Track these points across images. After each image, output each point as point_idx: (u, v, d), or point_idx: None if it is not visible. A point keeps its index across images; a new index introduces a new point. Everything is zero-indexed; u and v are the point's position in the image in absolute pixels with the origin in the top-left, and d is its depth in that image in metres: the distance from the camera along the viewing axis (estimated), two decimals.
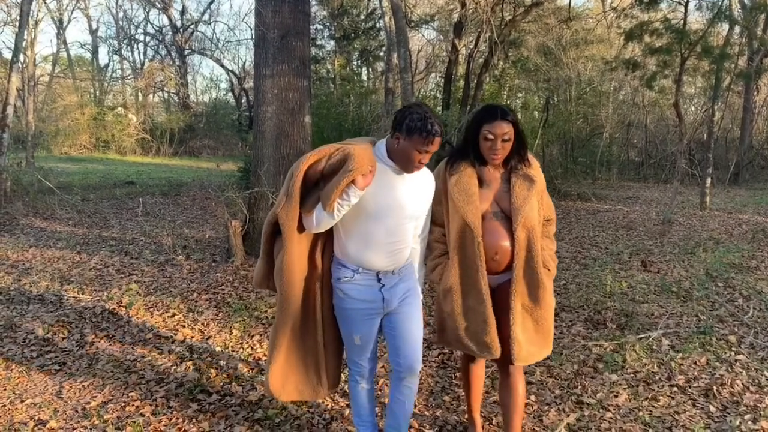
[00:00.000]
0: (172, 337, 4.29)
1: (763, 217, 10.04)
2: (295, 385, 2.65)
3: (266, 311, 4.76)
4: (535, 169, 2.60)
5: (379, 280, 2.52)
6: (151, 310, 4.80)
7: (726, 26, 10.57)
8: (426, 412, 3.33)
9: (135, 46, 31.09)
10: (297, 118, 5.94)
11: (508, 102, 14.83)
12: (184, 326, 4.48)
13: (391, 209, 2.41)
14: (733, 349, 4.17)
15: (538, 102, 16.95)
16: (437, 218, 2.68)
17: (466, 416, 3.12)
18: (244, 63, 30.23)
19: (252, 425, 3.14)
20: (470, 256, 2.50)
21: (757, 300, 5.27)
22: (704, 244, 7.68)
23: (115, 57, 32.01)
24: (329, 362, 2.70)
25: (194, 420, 3.19)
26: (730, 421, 3.24)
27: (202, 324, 4.52)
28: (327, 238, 2.60)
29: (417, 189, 2.49)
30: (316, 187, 2.43)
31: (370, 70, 22.53)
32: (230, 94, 30.14)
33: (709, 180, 11.00)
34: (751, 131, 17.41)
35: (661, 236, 8.32)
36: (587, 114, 16.95)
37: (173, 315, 4.69)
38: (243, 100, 28.69)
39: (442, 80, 14.08)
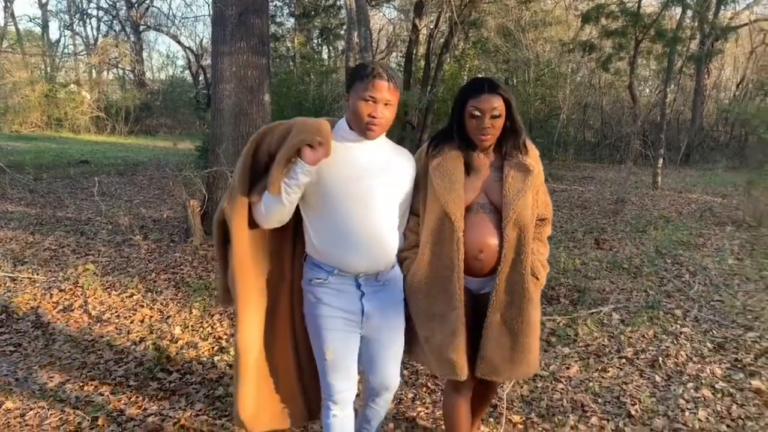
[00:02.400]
0: (131, 317, 4.27)
1: (711, 196, 10.40)
2: (271, 413, 2.27)
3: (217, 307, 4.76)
4: (533, 158, 2.21)
5: (358, 286, 2.13)
6: (108, 290, 4.76)
7: (679, 10, 10.82)
8: None
9: (87, 21, 30.10)
10: (256, 96, 5.90)
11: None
12: (142, 306, 4.46)
13: (360, 193, 2.05)
14: (678, 322, 4.36)
15: None
16: (413, 206, 2.28)
17: None
18: (202, 40, 29.67)
19: (212, 402, 3.17)
20: (446, 253, 2.12)
21: (703, 275, 5.50)
22: (655, 222, 7.94)
23: (67, 32, 31.04)
24: (309, 385, 2.34)
25: (154, 398, 3.20)
26: (674, 389, 3.41)
27: (161, 304, 4.51)
28: (296, 236, 2.24)
29: (390, 169, 2.14)
30: (267, 173, 2.08)
31: (331, 48, 22.35)
32: (187, 71, 29.55)
33: (661, 161, 11.32)
34: (702, 113, 17.92)
35: (614, 215, 8.56)
36: (545, 95, 17.20)
37: (132, 295, 4.65)
38: (200, 78, 28.14)
39: (403, 60, 14.08)
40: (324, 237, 2.09)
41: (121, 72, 29.42)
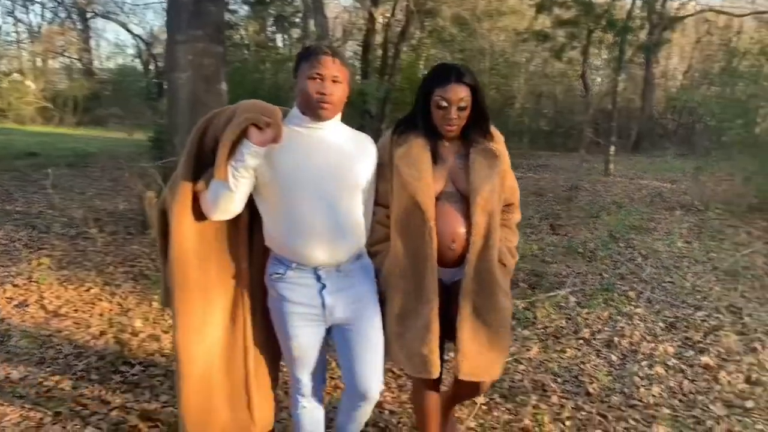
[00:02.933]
0: (89, 310, 4.19)
1: (660, 182, 10.74)
2: (221, 428, 2.12)
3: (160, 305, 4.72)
4: (499, 143, 2.17)
5: (318, 278, 2.04)
6: (65, 284, 4.65)
7: (629, 0, 11.10)
8: None
9: (31, 7, 29.01)
10: (212, 85, 5.82)
11: (425, 73, 15.02)
12: (101, 300, 4.38)
13: (317, 181, 1.96)
14: (632, 303, 4.52)
15: None
16: (381, 197, 2.18)
17: None
18: (152, 28, 28.98)
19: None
20: (419, 245, 2.06)
21: (654, 258, 5.70)
22: (608, 208, 8.17)
23: (9, 19, 29.87)
24: (263, 393, 2.23)
25: (117, 391, 3.16)
26: (629, 368, 3.54)
27: (121, 297, 4.43)
28: (254, 230, 2.12)
29: (349, 155, 2.03)
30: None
31: (286, 36, 22.08)
32: (138, 60, 28.80)
33: (612, 148, 11.62)
34: (651, 102, 18.43)
35: (569, 201, 8.76)
36: (500, 85, 17.42)
37: (89, 289, 4.56)
38: (151, 67, 27.49)
39: (361, 49, 14.05)
40: (280, 229, 2.00)
41: (68, 61, 28.53)
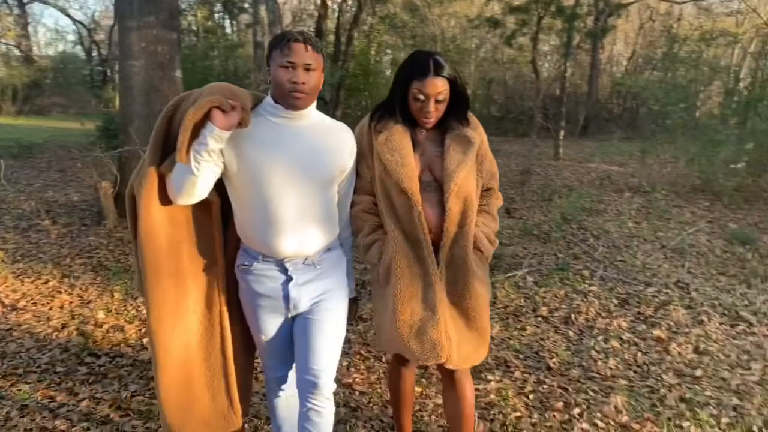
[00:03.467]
0: (48, 303, 4.11)
1: (608, 165, 11.07)
2: (201, 416, 2.08)
3: (134, 289, 4.67)
4: (474, 129, 2.15)
5: (285, 271, 2.00)
6: (21, 277, 4.55)
7: None
8: None
9: None
10: (167, 72, 5.73)
11: (377, 60, 15.02)
12: (60, 292, 4.30)
13: (285, 171, 1.90)
14: (586, 282, 4.70)
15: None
16: (365, 185, 2.15)
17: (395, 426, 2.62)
18: (94, 13, 28.07)
19: (147, 383, 3.14)
20: (411, 231, 2.05)
21: (605, 239, 5.91)
22: (559, 191, 8.39)
23: None
24: (241, 380, 2.18)
25: (85, 383, 3.14)
26: (586, 342, 3.70)
27: (81, 289, 4.36)
28: (228, 218, 2.07)
29: (323, 145, 1.98)
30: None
31: (234, 22, 21.73)
32: (79, 47, 27.86)
33: (562, 133, 11.91)
34: (597, 87, 18.89)
35: (522, 185, 8.96)
36: None
37: (47, 281, 4.47)
38: (94, 54, 26.66)
39: (313, 35, 13.95)
40: (249, 220, 1.96)
41: (4, 48, 27.37)
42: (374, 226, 2.14)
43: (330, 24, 13.98)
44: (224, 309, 2.08)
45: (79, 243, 5.33)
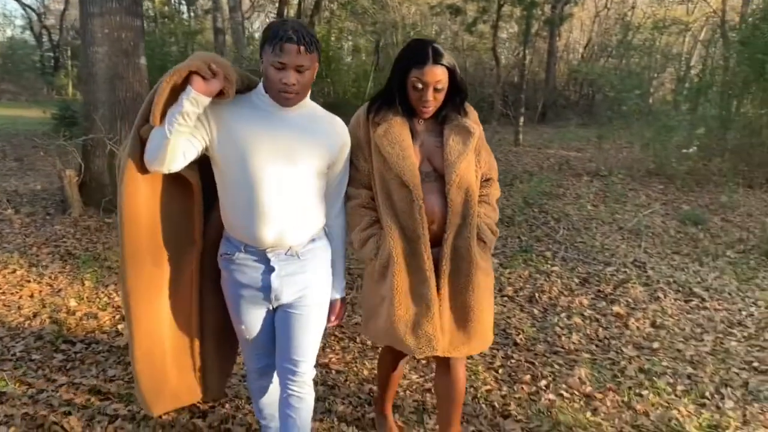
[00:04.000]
0: (17, 292, 4.08)
1: (566, 151, 11.35)
2: (172, 391, 2.13)
3: (117, 260, 4.66)
4: (473, 120, 2.15)
5: (268, 261, 1.99)
6: None
7: None
8: None
9: None
10: (132, 59, 5.67)
11: (339, 46, 15.01)
12: (29, 281, 4.27)
13: (272, 161, 1.87)
14: (549, 262, 4.88)
15: (368, 45, 17.31)
16: (362, 178, 2.13)
17: (375, 412, 2.69)
18: None
19: (125, 367, 3.18)
20: (410, 225, 2.03)
21: (566, 221, 6.12)
22: (521, 176, 8.60)
23: None
24: (212, 359, 2.22)
25: (62, 369, 3.16)
26: (550, 319, 3.88)
27: (50, 278, 4.34)
28: (209, 200, 2.07)
29: (313, 136, 1.94)
30: None
31: (194, 8, 21.37)
32: (29, 32, 27.03)
33: (521, 119, 12.14)
34: (555, 74, 19.24)
35: None
36: None
37: (14, 271, 4.43)
38: (45, 39, 25.91)
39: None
40: (233, 205, 1.94)
41: None
42: (371, 221, 2.11)
43: (291, 10, 13.90)
44: (196, 290, 2.10)
45: (44, 232, 5.27)
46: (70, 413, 2.76)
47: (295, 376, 2.09)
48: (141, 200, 1.92)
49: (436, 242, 2.07)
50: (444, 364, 2.26)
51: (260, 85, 1.94)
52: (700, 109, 9.85)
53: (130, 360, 2.06)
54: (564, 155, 10.74)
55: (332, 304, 2.18)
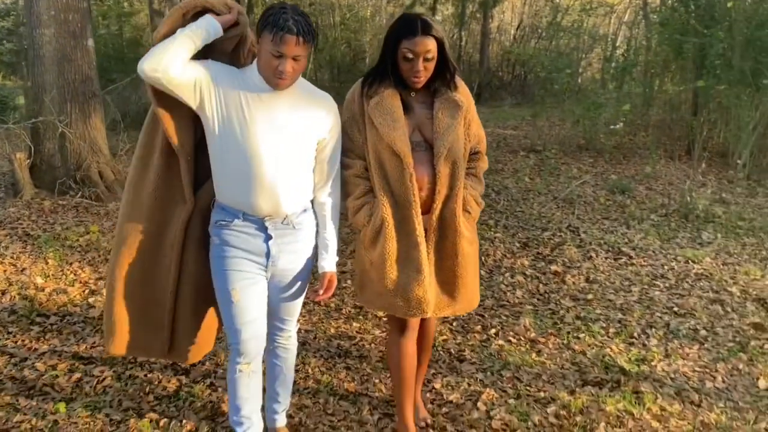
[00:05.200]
0: None
1: (502, 129, 11.81)
2: (138, 338, 2.24)
3: (77, 240, 4.76)
4: (462, 93, 2.24)
5: (265, 229, 2.09)
6: None
7: None
8: None
9: None
10: (79, 41, 5.68)
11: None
12: None
13: (267, 134, 1.97)
14: (492, 230, 5.26)
15: None
16: (357, 149, 2.23)
17: (395, 408, 2.57)
18: None
19: (103, 336, 3.35)
20: (401, 193, 2.13)
21: (506, 193, 6.52)
22: None
23: None
24: (188, 323, 2.26)
25: (41, 339, 3.30)
26: (496, 279, 4.25)
27: (12, 258, 4.40)
28: (200, 165, 2.14)
29: (304, 111, 2.05)
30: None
31: None
32: None
33: None
34: (488, 55, 19.77)
35: None
36: (350, 39, 17.79)
37: None
38: None
39: None
40: (230, 178, 2.03)
41: None
42: (365, 190, 2.21)
43: None
44: (177, 252, 2.16)
45: None
46: (57, 376, 2.93)
47: (282, 332, 2.32)
48: (158, 143, 2.11)
49: (426, 210, 2.18)
50: (423, 323, 2.44)
51: (254, 64, 1.99)
52: (626, 87, 10.42)
53: (106, 304, 2.22)
54: (500, 133, 11.19)
55: (324, 277, 2.24)
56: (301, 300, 2.31)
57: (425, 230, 2.16)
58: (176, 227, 2.14)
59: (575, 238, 5.08)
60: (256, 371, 2.25)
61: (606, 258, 4.66)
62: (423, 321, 2.40)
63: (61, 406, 2.66)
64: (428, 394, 2.90)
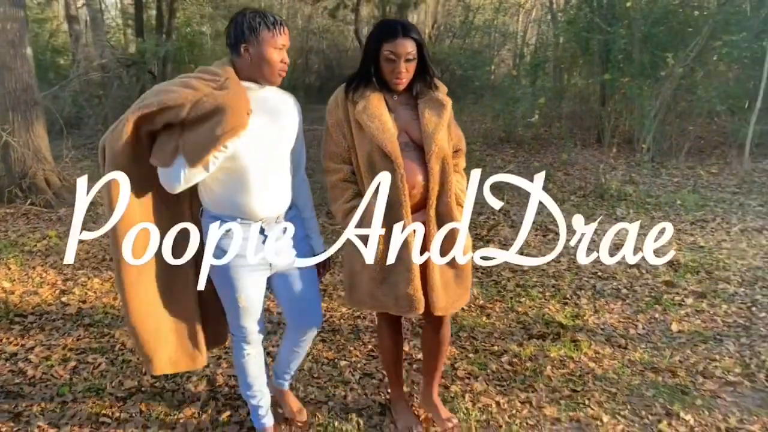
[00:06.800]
0: None
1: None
2: (169, 356, 2.24)
3: (35, 245, 4.85)
4: (443, 94, 2.30)
5: (262, 231, 2.16)
6: None
7: None
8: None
9: None
10: (18, 50, 5.71)
11: (201, 31, 15.01)
12: None
13: (262, 137, 2.05)
14: None
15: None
16: (343, 154, 2.27)
17: (390, 401, 2.77)
18: None
19: (86, 329, 3.55)
20: (392, 194, 2.11)
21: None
22: None
23: None
24: (209, 320, 2.35)
25: (26, 335, 3.46)
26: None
27: None
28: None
29: (282, 112, 2.15)
30: (169, 133, 1.96)
31: None
32: None
33: None
34: None
35: None
36: None
37: None
38: None
39: (133, 7, 13.55)
40: (228, 188, 2.07)
41: None
42: (354, 194, 2.25)
43: None
44: (191, 263, 2.15)
45: None
46: (52, 366, 3.13)
47: (312, 312, 2.40)
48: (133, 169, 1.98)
49: (417, 208, 2.22)
50: (430, 322, 2.46)
51: (232, 71, 2.00)
52: (539, 82, 11.17)
53: (129, 333, 2.25)
54: None
55: (318, 256, 2.34)
56: (317, 282, 2.41)
57: (424, 224, 2.18)
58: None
59: (507, 220, 5.61)
60: (260, 352, 2.43)
61: (536, 235, 5.21)
62: (435, 321, 2.44)
63: (65, 389, 2.88)
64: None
